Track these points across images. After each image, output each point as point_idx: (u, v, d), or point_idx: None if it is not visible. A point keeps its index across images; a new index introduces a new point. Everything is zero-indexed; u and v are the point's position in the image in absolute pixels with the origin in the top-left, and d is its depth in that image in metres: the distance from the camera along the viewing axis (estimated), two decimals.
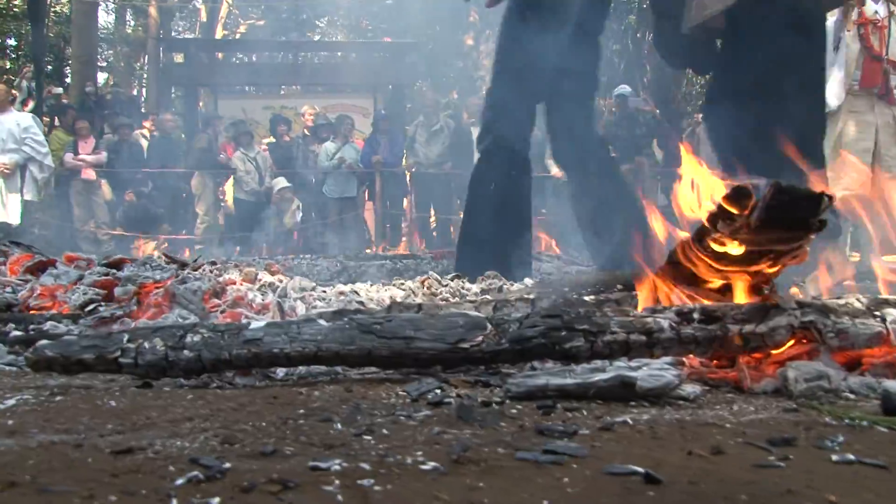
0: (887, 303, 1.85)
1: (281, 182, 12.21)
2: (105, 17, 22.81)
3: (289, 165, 12.77)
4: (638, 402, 1.57)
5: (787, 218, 1.61)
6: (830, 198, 1.59)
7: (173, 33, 23.53)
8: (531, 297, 2.44)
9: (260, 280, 3.26)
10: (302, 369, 2.03)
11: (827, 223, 1.63)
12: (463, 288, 3.13)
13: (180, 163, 12.63)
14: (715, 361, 1.95)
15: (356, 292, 2.96)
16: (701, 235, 1.87)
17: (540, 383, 1.60)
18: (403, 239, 12.13)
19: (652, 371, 1.58)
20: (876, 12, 5.82)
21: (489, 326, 1.83)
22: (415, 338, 1.81)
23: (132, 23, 24.68)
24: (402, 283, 3.24)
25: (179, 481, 1.04)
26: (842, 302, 1.85)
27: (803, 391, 1.65)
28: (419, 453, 1.19)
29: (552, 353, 1.80)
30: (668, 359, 1.68)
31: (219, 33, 20.97)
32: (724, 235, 1.73)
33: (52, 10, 19.26)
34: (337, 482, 1.06)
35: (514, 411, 1.51)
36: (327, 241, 11.86)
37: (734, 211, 1.65)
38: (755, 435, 1.29)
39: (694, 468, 1.10)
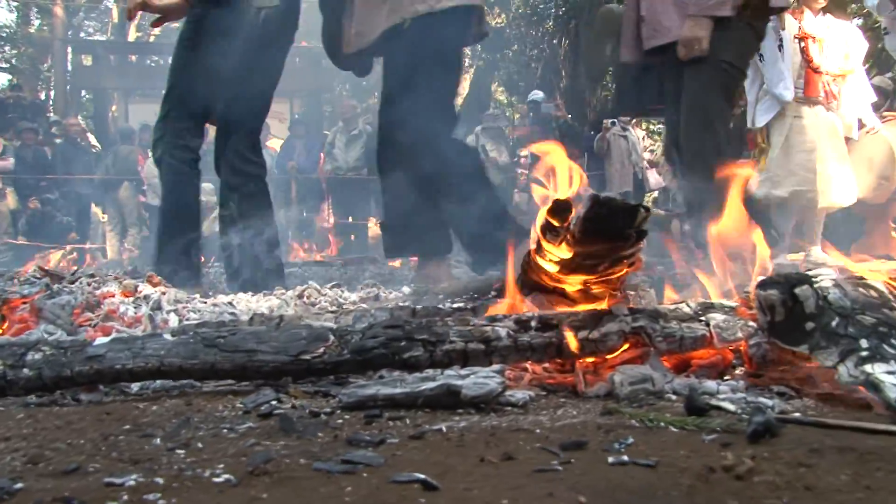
0: (713, 307, 1.94)
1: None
2: (6, 16, 21.95)
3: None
4: (466, 410, 1.62)
5: (605, 229, 1.68)
6: (647, 209, 1.67)
7: (82, 34, 22.86)
8: (404, 305, 2.48)
9: (139, 292, 3.22)
10: (158, 383, 2.02)
11: (647, 233, 1.71)
12: (341, 297, 3.15)
13: (87, 169, 12.32)
14: (567, 365, 2.01)
15: (231, 304, 2.95)
16: (539, 245, 1.94)
17: (370, 393, 1.64)
18: (309, 245, 12.05)
19: (477, 379, 1.62)
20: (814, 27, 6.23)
21: (332, 337, 1.86)
22: (257, 350, 1.83)
23: (38, 22, 23.88)
24: (283, 294, 3.24)
25: None
26: (672, 307, 1.94)
27: (628, 394, 1.72)
28: (220, 466, 1.21)
29: (393, 362, 1.84)
30: (497, 366, 1.73)
31: (132, 35, 20.50)
32: (552, 245, 1.80)
33: None
34: (125, 497, 1.07)
35: (339, 421, 1.54)
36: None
37: (555, 223, 1.71)
38: (556, 440, 1.34)
39: (476, 475, 1.15)
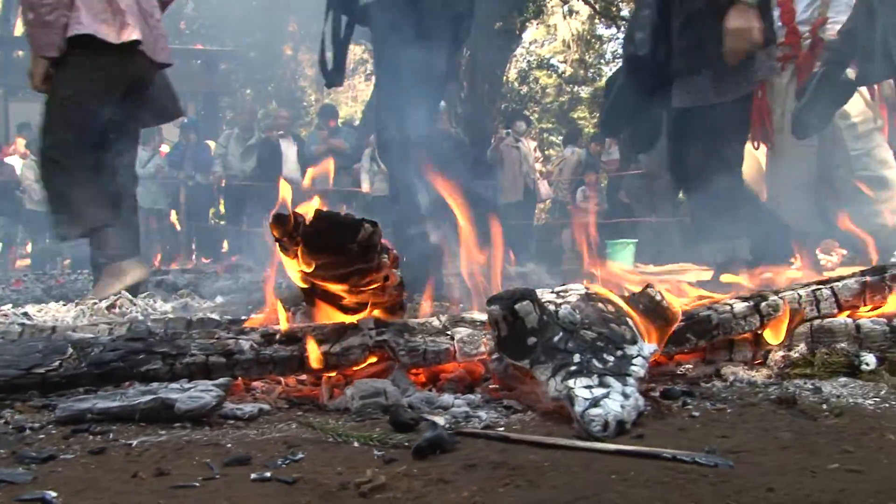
0: (463, 321, 1.98)
1: None
2: None
3: None
4: (182, 424, 1.60)
5: (329, 243, 1.70)
6: (374, 224, 1.69)
7: None
8: (179, 317, 2.45)
9: None
10: None
11: (377, 247, 1.73)
12: (151, 307, 3.09)
13: None
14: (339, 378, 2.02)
15: (27, 314, 2.86)
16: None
17: (85, 407, 1.60)
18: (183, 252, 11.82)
19: (193, 393, 1.61)
20: None
21: (70, 350, 1.82)
22: None
23: None
24: (96, 303, 3.16)
25: None
26: (422, 321, 1.97)
27: (358, 408, 1.73)
28: None
29: (132, 375, 1.81)
30: (223, 380, 1.72)
31: (18, 29, 19.67)
32: (289, 258, 1.80)
33: None
34: None
35: (41, 436, 1.51)
36: None
37: (276, 234, 1.72)
38: (234, 454, 1.34)
39: (112, 491, 1.14)
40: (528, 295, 1.72)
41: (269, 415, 1.73)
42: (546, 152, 14.14)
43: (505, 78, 17.38)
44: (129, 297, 3.17)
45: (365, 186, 11.71)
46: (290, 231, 1.68)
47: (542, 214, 14.35)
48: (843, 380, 1.92)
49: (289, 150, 12.15)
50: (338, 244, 1.68)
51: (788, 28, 5.16)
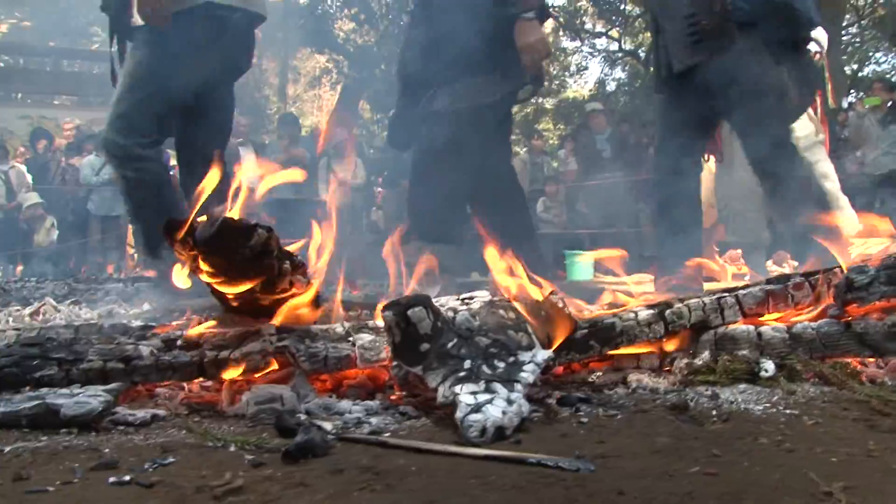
0: (367, 327, 1.98)
1: (31, 198, 11.49)
2: None
3: (45, 180, 12.05)
4: (69, 430, 1.59)
5: (221, 248, 1.70)
6: (270, 230, 1.70)
7: None
8: (92, 322, 2.43)
9: None
10: None
11: (272, 253, 1.73)
12: (76, 314, 3.06)
13: None
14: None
15: None
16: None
17: None
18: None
19: (80, 398, 1.60)
20: None
21: None
22: None
23: None
24: (18, 310, 3.13)
25: None
26: (324, 327, 1.97)
27: (254, 413, 1.72)
28: None
29: (26, 381, 1.80)
30: (115, 385, 1.71)
31: None
32: (188, 261, 1.80)
33: None
34: None
35: None
36: (88, 261, 11.29)
37: (169, 240, 1.72)
38: (108, 459, 1.33)
39: None
40: (422, 301, 1.73)
41: (163, 421, 1.72)
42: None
43: None
44: (53, 303, 3.13)
45: (323, 195, 11.67)
46: (183, 236, 1.68)
47: None
48: (742, 386, 1.95)
49: (248, 158, 12.07)
50: (230, 249, 1.68)
51: None
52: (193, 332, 1.97)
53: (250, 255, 1.70)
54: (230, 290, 1.93)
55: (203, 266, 1.75)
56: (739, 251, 6.77)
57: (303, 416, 1.77)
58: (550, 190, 12.08)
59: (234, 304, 2.12)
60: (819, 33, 5.41)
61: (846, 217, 5.54)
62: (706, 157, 6.34)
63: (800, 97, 3.92)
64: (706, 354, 2.12)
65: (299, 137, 12.71)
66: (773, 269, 6.88)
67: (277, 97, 21.15)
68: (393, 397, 1.89)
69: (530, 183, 12.93)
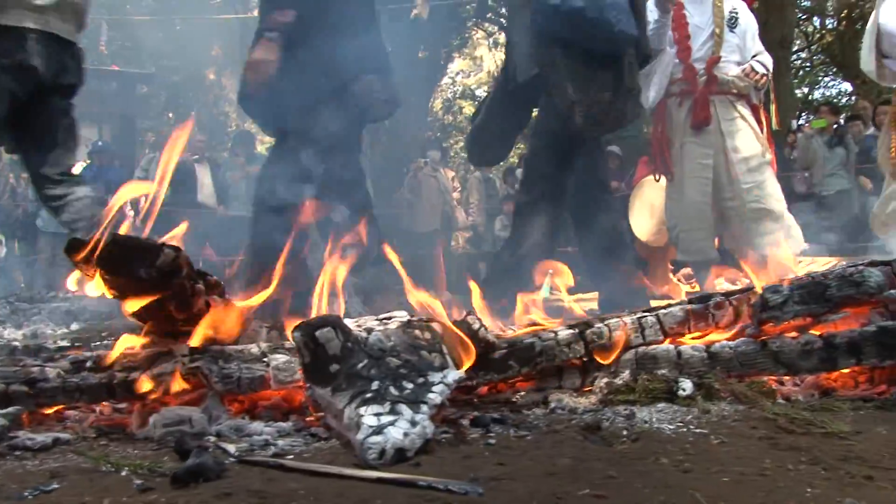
0: (282, 348, 1.96)
1: None
2: None
3: None
4: None
5: (125, 268, 1.67)
6: (178, 250, 1.67)
7: None
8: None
9: None
10: None
11: (180, 273, 1.71)
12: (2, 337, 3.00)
13: None
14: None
15: None
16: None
17: None
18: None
19: None
20: None
21: None
22: None
23: None
24: None
25: None
26: (240, 348, 1.94)
27: (161, 436, 1.69)
28: None
29: None
30: (14, 408, 1.67)
31: None
32: (89, 280, 1.77)
33: None
34: None
35: None
36: (36, 279, 11.07)
37: (72, 259, 1.69)
38: None
39: None
40: (331, 321, 1.72)
41: (66, 444, 1.68)
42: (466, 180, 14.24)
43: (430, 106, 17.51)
44: None
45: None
46: (86, 256, 1.65)
47: (462, 242, 14.39)
48: (661, 405, 1.96)
49: (204, 175, 11.96)
50: (135, 269, 1.66)
51: (685, 65, 5.33)
52: (114, 353, 1.93)
53: (157, 274, 1.68)
54: (132, 306, 1.90)
55: (106, 285, 1.72)
56: (690, 270, 6.87)
57: (212, 439, 1.74)
58: (509, 208, 12.13)
59: (145, 322, 2.09)
60: (765, 57, 5.53)
61: (792, 236, 5.63)
62: (657, 176, 6.40)
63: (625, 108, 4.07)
64: (626, 374, 2.13)
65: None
66: (723, 287, 6.96)
67: (237, 114, 21.00)
68: (309, 419, 1.87)
69: (487, 199, 13.01)
